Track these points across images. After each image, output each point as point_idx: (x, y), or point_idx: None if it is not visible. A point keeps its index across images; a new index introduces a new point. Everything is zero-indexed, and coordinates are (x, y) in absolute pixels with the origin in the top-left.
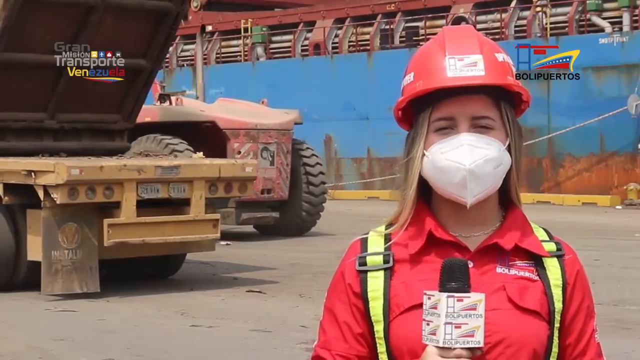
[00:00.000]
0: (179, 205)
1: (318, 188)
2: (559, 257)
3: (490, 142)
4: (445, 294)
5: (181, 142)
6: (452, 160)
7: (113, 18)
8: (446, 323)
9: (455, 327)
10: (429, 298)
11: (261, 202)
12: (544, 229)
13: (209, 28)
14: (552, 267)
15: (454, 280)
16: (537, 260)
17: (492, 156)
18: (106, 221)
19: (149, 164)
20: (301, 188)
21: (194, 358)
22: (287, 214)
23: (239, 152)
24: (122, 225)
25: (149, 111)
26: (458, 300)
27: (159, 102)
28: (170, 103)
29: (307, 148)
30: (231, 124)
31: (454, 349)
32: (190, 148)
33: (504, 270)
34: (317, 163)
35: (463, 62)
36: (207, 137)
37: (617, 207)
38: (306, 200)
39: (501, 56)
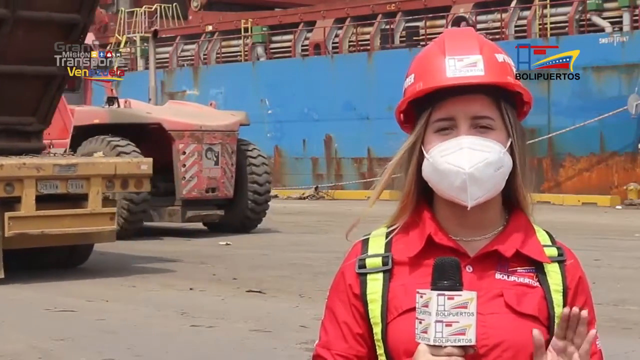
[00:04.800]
0: (80, 200)
1: (263, 187)
2: (560, 262)
3: (490, 144)
4: (436, 292)
5: (129, 144)
6: (452, 163)
7: (24, 30)
8: (437, 321)
9: (446, 325)
10: (421, 296)
11: (206, 200)
12: (547, 232)
13: (209, 28)
14: (553, 273)
15: (446, 278)
16: (537, 266)
17: (493, 159)
18: (7, 214)
19: (48, 162)
20: (247, 187)
21: (194, 358)
22: (233, 211)
23: (184, 153)
24: (22, 218)
25: (98, 113)
26: (449, 299)
27: (107, 104)
28: (119, 105)
29: (254, 149)
30: (176, 125)
31: (445, 347)
32: (138, 150)
33: (503, 277)
34: (263, 163)
35: (463, 63)
36: (154, 139)
37: (617, 207)
38: (251, 199)
39: (501, 57)
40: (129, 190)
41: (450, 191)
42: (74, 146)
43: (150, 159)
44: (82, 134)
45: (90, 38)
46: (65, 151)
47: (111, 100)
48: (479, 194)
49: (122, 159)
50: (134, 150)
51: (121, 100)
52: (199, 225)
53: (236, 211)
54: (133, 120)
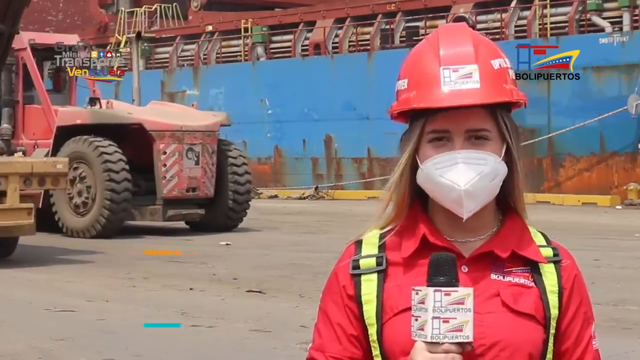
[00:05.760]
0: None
1: (244, 187)
2: (556, 262)
3: (485, 157)
4: (432, 288)
5: (110, 144)
6: (447, 179)
7: None
8: (434, 317)
9: (443, 322)
10: (417, 293)
11: (187, 199)
12: (542, 233)
13: (209, 28)
14: (548, 273)
15: (442, 274)
16: (533, 266)
17: (487, 171)
18: None
19: None
20: (227, 186)
21: (194, 358)
22: (214, 210)
23: (165, 153)
24: None
25: (80, 114)
26: (445, 295)
27: (89, 105)
28: (100, 106)
29: (235, 149)
30: (157, 125)
31: (442, 343)
32: (119, 149)
33: (498, 277)
34: (243, 163)
35: (458, 74)
36: (135, 139)
37: (617, 207)
38: (232, 198)
39: (497, 62)
40: (45, 187)
41: (445, 202)
42: (58, 146)
43: (66, 159)
44: (66, 134)
45: (75, 39)
46: (48, 151)
47: (93, 101)
48: (474, 206)
49: (38, 159)
50: (116, 151)
51: (103, 101)
52: (182, 224)
53: (217, 210)
54: (114, 121)
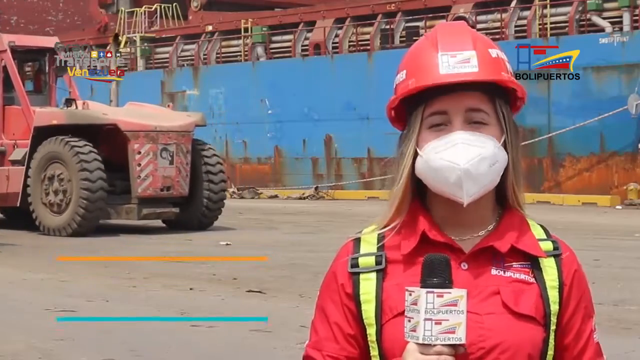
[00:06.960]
0: None
1: (218, 186)
2: (556, 256)
3: (484, 139)
4: (425, 290)
5: (86, 144)
6: (447, 160)
7: None
8: (426, 319)
9: (435, 324)
10: (410, 294)
11: (161, 198)
12: (542, 226)
13: (209, 28)
14: (549, 268)
15: (435, 275)
16: (533, 261)
17: (487, 154)
18: None
19: None
20: (202, 186)
21: (194, 358)
22: (189, 209)
23: (139, 152)
24: None
25: (56, 114)
26: (438, 296)
27: (65, 105)
28: (76, 107)
29: (209, 149)
30: (132, 126)
31: (434, 345)
32: (95, 150)
33: (499, 272)
34: (218, 162)
35: (456, 59)
36: (110, 139)
37: (617, 207)
38: (206, 197)
39: (495, 52)
40: None
41: (445, 187)
42: (36, 146)
43: None
44: (44, 135)
45: (54, 41)
46: (26, 152)
47: (69, 102)
48: (474, 190)
49: None
50: (92, 151)
51: (79, 102)
52: (159, 223)
53: (192, 209)
54: (89, 121)
